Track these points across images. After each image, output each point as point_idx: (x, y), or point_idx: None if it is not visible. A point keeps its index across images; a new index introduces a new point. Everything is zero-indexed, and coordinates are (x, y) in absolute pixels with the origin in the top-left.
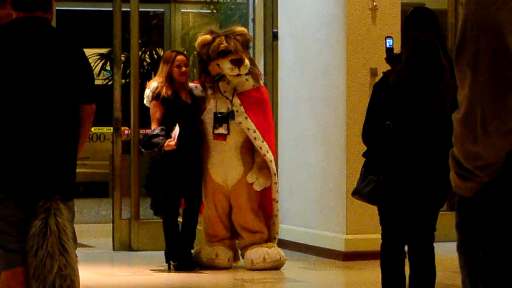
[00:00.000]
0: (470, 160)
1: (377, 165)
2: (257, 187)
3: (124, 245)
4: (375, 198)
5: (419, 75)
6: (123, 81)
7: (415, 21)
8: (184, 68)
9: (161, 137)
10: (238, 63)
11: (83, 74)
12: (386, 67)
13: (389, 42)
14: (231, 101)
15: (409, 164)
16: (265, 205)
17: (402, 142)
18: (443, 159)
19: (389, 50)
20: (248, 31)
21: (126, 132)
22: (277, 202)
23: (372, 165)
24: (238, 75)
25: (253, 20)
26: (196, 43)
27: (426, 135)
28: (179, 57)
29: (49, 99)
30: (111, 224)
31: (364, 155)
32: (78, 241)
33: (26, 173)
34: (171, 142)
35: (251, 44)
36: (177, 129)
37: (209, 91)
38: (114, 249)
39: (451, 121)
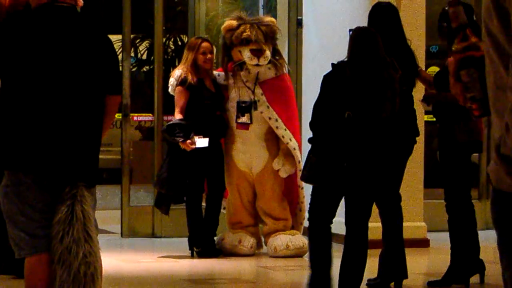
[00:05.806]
0: None
1: (338, 152)
2: (283, 174)
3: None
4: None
5: (367, 68)
6: (147, 67)
7: (376, 17)
8: (209, 55)
9: (181, 133)
10: (258, 53)
11: (109, 64)
12: None
13: None
14: (253, 91)
15: (369, 151)
16: (291, 192)
17: (361, 131)
18: (396, 146)
19: None
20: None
21: (134, 118)
22: (302, 188)
23: (330, 152)
24: (257, 65)
25: (275, 7)
26: (222, 27)
27: (382, 124)
28: (205, 43)
29: (75, 86)
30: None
31: (312, 141)
32: (100, 227)
33: (52, 160)
34: (190, 145)
35: (278, 36)
36: (202, 142)
37: (231, 80)
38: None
39: (403, 112)
